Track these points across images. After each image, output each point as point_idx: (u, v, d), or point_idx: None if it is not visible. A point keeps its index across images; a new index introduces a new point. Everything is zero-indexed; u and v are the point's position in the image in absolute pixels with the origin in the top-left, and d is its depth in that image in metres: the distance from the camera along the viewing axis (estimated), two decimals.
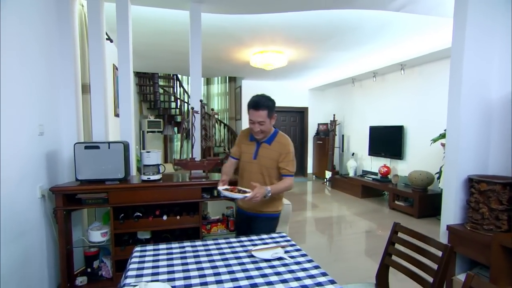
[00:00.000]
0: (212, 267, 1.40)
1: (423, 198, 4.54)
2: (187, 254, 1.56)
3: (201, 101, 2.46)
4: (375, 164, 6.13)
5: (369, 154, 6.23)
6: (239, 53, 5.16)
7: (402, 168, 5.47)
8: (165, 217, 2.37)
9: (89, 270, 2.35)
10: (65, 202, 2.15)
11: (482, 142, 2.07)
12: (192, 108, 2.42)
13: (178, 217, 2.39)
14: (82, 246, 2.40)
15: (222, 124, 8.06)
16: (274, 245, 1.64)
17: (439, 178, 4.45)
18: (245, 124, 7.83)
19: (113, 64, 4.48)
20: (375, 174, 5.95)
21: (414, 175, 4.70)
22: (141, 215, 2.36)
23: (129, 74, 2.70)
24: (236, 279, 1.29)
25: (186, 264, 1.43)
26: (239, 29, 4.01)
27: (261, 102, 1.83)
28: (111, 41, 4.09)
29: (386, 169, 5.58)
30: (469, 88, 2.02)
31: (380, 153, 5.92)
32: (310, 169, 8.33)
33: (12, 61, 1.73)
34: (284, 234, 1.84)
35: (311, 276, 1.33)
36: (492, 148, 2.08)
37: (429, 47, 4.40)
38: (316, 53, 5.21)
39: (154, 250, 1.61)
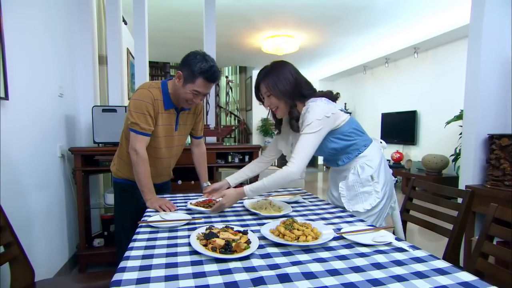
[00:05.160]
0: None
1: (438, 181, 4.46)
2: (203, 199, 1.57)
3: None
4: (387, 151, 6.04)
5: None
6: (250, 38, 5.18)
7: (415, 154, 5.39)
8: (179, 182, 2.40)
9: (105, 233, 2.39)
10: (83, 163, 2.19)
11: (502, 101, 2.02)
12: None
13: (192, 182, 2.41)
14: (99, 207, 2.44)
15: (233, 116, 8.09)
16: (291, 194, 1.64)
17: (454, 160, 4.37)
18: (256, 114, 7.84)
19: (127, 48, 4.55)
20: (388, 161, 5.86)
21: (428, 158, 4.62)
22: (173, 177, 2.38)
23: (145, 56, 2.73)
24: (255, 213, 1.29)
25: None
26: (250, 10, 4.02)
27: (219, 74, 1.43)
28: (126, 23, 4.16)
29: (398, 155, 5.51)
30: (489, 45, 1.98)
31: (392, 140, 5.84)
32: (320, 159, 8.28)
33: (37, 23, 1.80)
34: (300, 188, 1.84)
35: (331, 213, 1.32)
36: None
37: (444, 26, 4.32)
38: (327, 38, 5.19)
39: (171, 197, 1.63)
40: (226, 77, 2.61)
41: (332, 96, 1.37)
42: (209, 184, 1.76)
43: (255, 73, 7.67)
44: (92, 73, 2.50)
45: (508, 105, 2.03)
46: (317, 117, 1.23)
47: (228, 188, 1.48)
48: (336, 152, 1.36)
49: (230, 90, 2.38)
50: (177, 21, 4.44)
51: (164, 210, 1.32)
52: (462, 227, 1.46)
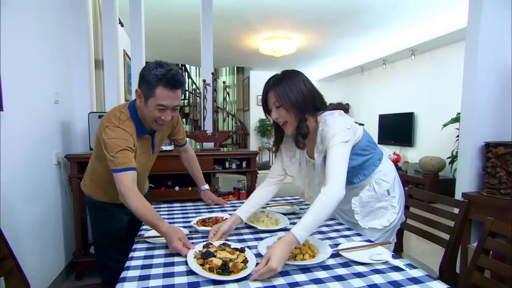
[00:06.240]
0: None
1: (434, 183, 4.48)
2: (202, 210, 1.57)
3: (212, 73, 2.47)
4: (384, 153, 6.06)
5: (378, 143, 6.16)
6: (248, 39, 5.16)
7: (412, 156, 5.41)
8: (177, 188, 2.39)
9: None
10: (80, 170, 2.17)
11: (498, 108, 2.03)
12: (204, 81, 2.43)
13: (190, 188, 2.41)
14: None
15: (230, 116, 8.07)
16: (289, 204, 1.64)
17: (451, 163, 4.39)
18: (253, 115, 7.84)
19: (124, 49, 4.52)
20: None
21: (425, 160, 4.64)
22: (153, 186, 2.38)
23: (141, 58, 2.72)
24: (252, 227, 1.29)
25: (201, 216, 1.43)
26: (247, 11, 4.00)
27: (180, 78, 1.20)
28: (122, 25, 4.13)
29: (396, 157, 5.52)
30: (485, 53, 1.99)
31: (389, 141, 5.86)
32: None
33: (31, 29, 1.78)
34: (297, 197, 1.84)
35: (328, 225, 1.32)
36: (509, 114, 2.04)
37: (441, 29, 4.33)
38: (325, 40, 5.18)
39: (168, 208, 1.63)
40: (224, 82, 2.59)
41: (344, 108, 1.25)
42: (207, 188, 1.71)
43: (252, 74, 7.66)
44: (88, 79, 2.48)
45: (504, 113, 2.04)
46: (340, 128, 1.11)
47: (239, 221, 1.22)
48: (353, 170, 1.23)
49: (227, 96, 2.38)
50: (174, 23, 4.41)
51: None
52: (458, 237, 1.47)
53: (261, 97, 1.31)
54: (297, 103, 1.13)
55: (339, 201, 1.02)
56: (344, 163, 1.08)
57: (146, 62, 1.39)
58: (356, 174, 1.26)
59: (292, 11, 3.96)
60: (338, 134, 1.09)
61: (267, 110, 1.23)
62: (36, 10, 1.85)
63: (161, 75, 1.14)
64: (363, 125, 1.28)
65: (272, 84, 1.16)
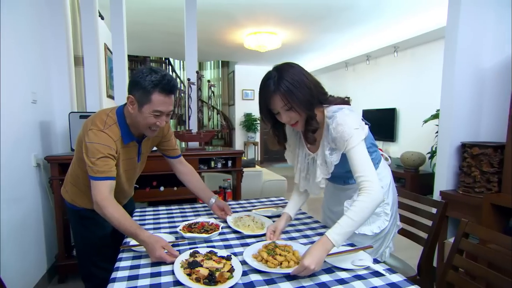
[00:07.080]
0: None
1: (415, 178, 4.64)
2: (187, 213, 1.57)
3: (197, 72, 2.44)
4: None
5: None
6: (232, 34, 5.11)
7: (394, 150, 5.56)
8: (162, 188, 2.37)
9: None
10: (61, 172, 2.12)
11: (475, 110, 2.12)
12: (189, 79, 2.40)
13: (175, 188, 2.40)
14: None
15: (215, 110, 8.01)
16: (274, 206, 1.67)
17: (430, 158, 4.55)
18: (238, 109, 7.81)
19: (104, 43, 4.38)
20: None
21: (406, 155, 4.78)
22: (137, 186, 2.35)
23: (123, 53, 2.64)
24: (238, 232, 1.30)
25: (187, 221, 1.43)
26: (232, 6, 3.96)
27: (175, 83, 1.19)
28: (102, 18, 3.99)
29: None
30: (463, 57, 2.06)
31: (373, 136, 5.99)
32: None
33: (2, 25, 1.69)
34: (282, 198, 1.86)
35: (312, 229, 1.35)
36: (484, 116, 2.13)
37: (423, 27, 4.43)
38: (310, 35, 5.20)
39: (154, 211, 1.62)
40: (209, 81, 2.57)
41: (347, 103, 1.19)
42: (217, 197, 1.56)
43: (237, 68, 7.60)
44: (67, 76, 2.40)
45: (480, 115, 2.13)
46: (354, 126, 1.06)
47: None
48: (351, 171, 1.14)
49: (212, 94, 2.34)
50: (158, 16, 4.31)
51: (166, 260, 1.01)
52: (436, 236, 1.54)
53: (247, 92, 1.23)
54: (306, 100, 1.05)
55: (379, 205, 1.05)
56: (370, 160, 1.06)
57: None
58: (353, 175, 1.21)
59: (277, 6, 3.94)
60: (356, 133, 1.06)
61: (270, 115, 1.13)
62: (7, 4, 1.76)
63: (157, 81, 1.12)
64: (369, 125, 1.21)
65: (274, 87, 1.04)
